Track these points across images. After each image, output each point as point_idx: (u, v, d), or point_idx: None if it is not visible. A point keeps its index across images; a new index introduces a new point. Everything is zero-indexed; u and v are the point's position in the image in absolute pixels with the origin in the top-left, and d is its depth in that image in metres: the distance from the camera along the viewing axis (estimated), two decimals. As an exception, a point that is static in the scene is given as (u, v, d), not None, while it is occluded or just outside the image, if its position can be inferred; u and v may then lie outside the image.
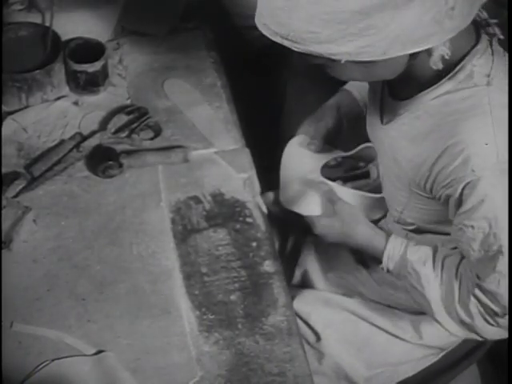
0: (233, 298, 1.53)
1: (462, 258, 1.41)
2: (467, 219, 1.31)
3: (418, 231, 1.53)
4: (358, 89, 1.71)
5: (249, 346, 1.47)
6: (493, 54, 1.33)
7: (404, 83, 1.37)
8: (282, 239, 1.83)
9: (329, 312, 1.66)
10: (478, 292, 1.36)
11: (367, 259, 1.67)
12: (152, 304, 1.51)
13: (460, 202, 1.32)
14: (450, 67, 1.32)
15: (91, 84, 1.82)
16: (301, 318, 1.66)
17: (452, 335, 1.47)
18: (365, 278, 1.67)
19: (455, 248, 1.44)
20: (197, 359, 1.45)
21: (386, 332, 1.63)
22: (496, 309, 1.35)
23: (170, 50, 1.95)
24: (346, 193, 1.59)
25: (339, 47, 1.21)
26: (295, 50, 1.25)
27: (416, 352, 1.65)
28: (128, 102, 1.84)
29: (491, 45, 1.35)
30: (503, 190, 1.28)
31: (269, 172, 1.74)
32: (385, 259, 1.48)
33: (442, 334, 1.60)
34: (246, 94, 1.95)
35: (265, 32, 1.27)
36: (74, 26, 1.88)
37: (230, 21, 2.16)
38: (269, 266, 1.58)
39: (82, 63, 1.79)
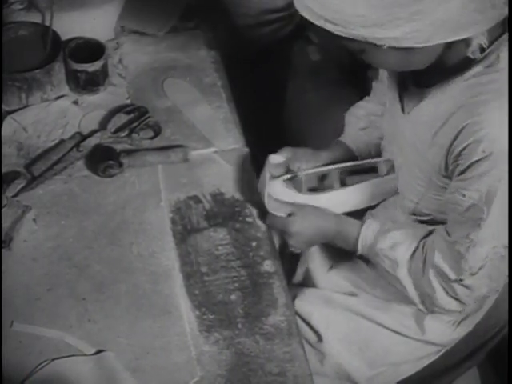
0: (233, 297, 1.53)
1: (430, 234, 1.48)
2: (462, 187, 1.36)
3: (434, 222, 1.54)
4: (352, 140, 1.72)
5: (249, 345, 1.47)
6: None
7: (432, 71, 1.38)
8: (282, 238, 1.83)
9: (330, 312, 1.66)
10: (436, 259, 1.42)
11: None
12: (152, 304, 1.51)
13: (462, 171, 1.36)
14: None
15: (91, 83, 1.82)
16: (302, 318, 1.65)
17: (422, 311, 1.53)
18: (367, 274, 1.67)
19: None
20: (197, 359, 1.44)
21: (389, 330, 1.63)
22: (450, 273, 1.41)
23: (170, 50, 1.95)
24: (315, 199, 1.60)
25: (386, 32, 1.23)
26: (337, 33, 1.25)
27: (418, 351, 1.65)
28: (128, 101, 1.84)
29: None
30: (502, 173, 1.31)
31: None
32: (359, 247, 1.54)
33: (444, 329, 1.62)
34: (246, 94, 1.95)
35: (306, 15, 1.27)
36: (73, 25, 1.87)
37: (230, 21, 2.16)
38: (269, 265, 1.58)
39: (82, 63, 1.79)
